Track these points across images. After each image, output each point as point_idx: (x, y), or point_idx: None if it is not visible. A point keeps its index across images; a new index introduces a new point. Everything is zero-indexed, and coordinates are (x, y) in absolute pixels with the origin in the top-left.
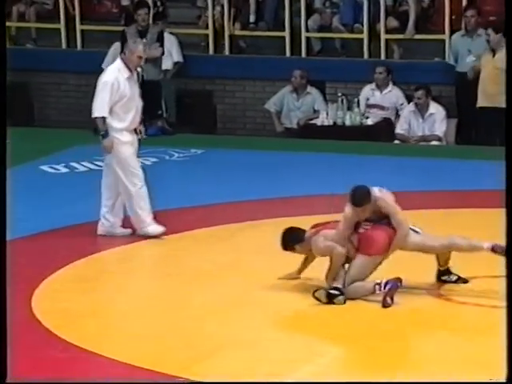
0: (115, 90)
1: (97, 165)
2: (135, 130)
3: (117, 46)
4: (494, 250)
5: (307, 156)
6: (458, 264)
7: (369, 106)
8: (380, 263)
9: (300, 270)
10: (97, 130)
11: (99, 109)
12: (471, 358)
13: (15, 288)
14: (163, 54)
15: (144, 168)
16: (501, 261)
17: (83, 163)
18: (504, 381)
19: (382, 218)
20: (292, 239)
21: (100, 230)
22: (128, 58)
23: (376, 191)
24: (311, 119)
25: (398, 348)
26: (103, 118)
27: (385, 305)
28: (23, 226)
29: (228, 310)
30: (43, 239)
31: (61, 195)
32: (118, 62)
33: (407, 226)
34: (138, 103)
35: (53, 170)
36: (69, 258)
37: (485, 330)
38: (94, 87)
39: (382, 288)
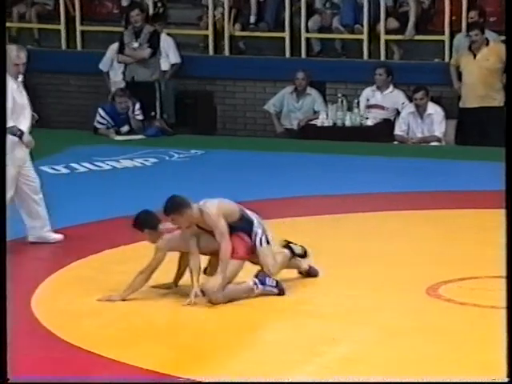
0: (10, 100)
1: (96, 165)
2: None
3: (114, 47)
4: (309, 272)
5: (307, 157)
6: (459, 263)
7: (369, 107)
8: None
9: (176, 281)
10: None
11: None
12: (475, 360)
13: (15, 288)
14: (154, 55)
15: (144, 168)
16: (502, 261)
17: (83, 164)
18: (506, 380)
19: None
20: (147, 222)
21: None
22: (8, 67)
23: (201, 204)
24: (311, 120)
25: (398, 348)
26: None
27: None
28: (22, 227)
29: (229, 310)
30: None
31: (61, 196)
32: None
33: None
34: (29, 110)
35: (53, 171)
36: (69, 258)
37: (486, 331)
38: (95, 88)
39: (260, 285)
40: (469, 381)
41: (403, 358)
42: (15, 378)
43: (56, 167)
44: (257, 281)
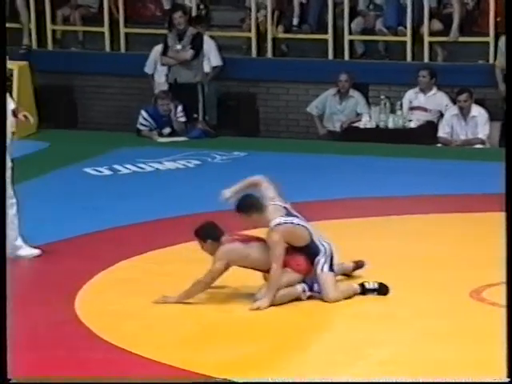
0: None
1: (139, 167)
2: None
3: (157, 48)
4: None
5: (350, 159)
6: (504, 266)
7: (412, 109)
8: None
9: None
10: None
11: None
12: None
13: (59, 289)
14: (196, 56)
15: (186, 170)
16: None
17: (126, 165)
18: (506, 380)
19: None
20: (212, 233)
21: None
22: None
23: (273, 222)
24: (354, 122)
25: (441, 352)
26: None
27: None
28: (66, 228)
29: (276, 313)
30: (86, 241)
31: (104, 197)
32: None
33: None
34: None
35: (96, 173)
36: (112, 259)
37: None
38: (138, 90)
39: (308, 290)
40: (470, 381)
41: (447, 361)
42: (57, 378)
43: (99, 169)
44: (305, 286)
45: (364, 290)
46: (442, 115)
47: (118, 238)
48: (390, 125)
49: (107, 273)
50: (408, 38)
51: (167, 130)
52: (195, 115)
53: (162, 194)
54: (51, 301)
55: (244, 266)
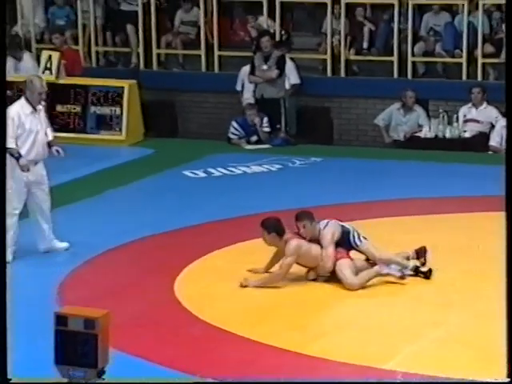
0: (16, 125)
1: (230, 170)
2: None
3: (245, 69)
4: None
5: (412, 164)
6: None
7: (466, 121)
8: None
9: (268, 267)
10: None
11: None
12: None
13: (159, 275)
14: (280, 75)
15: (270, 173)
16: None
17: (219, 169)
18: (506, 380)
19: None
20: (278, 228)
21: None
22: (29, 96)
23: (321, 228)
24: (416, 132)
25: (495, 333)
26: (11, 148)
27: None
28: (167, 222)
29: (346, 296)
30: (184, 233)
31: (199, 196)
32: (22, 100)
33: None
34: (38, 137)
35: (193, 175)
36: (206, 249)
37: None
38: (229, 104)
39: (385, 267)
40: (469, 380)
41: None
42: (157, 353)
43: (195, 172)
44: (382, 265)
45: (416, 271)
46: (493, 126)
47: (212, 230)
48: (448, 135)
49: (202, 261)
50: (463, 60)
51: (254, 139)
52: (278, 126)
53: (249, 194)
54: (154, 284)
55: (300, 262)
